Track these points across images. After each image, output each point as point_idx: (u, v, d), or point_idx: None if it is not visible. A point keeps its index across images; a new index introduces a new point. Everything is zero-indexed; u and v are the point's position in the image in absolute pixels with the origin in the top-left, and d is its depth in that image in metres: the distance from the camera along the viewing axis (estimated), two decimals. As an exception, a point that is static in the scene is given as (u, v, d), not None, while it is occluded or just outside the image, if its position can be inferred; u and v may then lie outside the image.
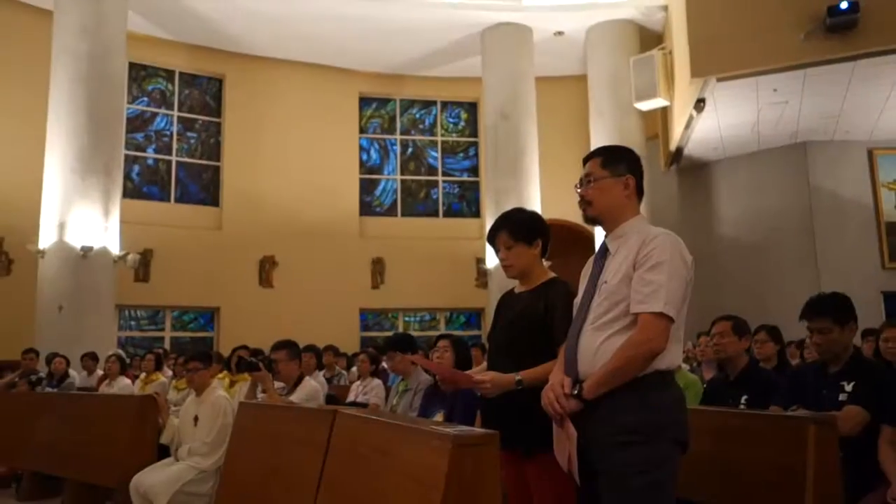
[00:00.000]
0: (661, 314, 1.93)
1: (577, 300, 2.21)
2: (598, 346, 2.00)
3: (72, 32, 9.64)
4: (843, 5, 7.87)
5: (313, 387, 4.31)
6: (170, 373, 7.48)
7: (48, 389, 7.09)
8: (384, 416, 2.54)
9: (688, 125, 10.57)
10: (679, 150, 11.87)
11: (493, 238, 2.62)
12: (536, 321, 2.42)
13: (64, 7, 9.78)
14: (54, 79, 9.65)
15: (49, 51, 9.78)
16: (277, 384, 4.36)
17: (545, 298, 2.46)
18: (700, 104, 9.63)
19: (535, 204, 11.75)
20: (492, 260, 11.94)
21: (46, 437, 5.41)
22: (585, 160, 2.24)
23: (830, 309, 2.79)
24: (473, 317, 14.38)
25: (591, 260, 2.25)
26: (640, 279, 1.99)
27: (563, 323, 2.27)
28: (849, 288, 3.49)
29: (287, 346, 4.36)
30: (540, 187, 11.94)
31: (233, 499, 3.59)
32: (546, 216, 11.15)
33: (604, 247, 2.18)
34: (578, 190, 2.19)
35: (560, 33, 12.28)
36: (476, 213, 14.58)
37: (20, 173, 10.28)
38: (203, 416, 4.49)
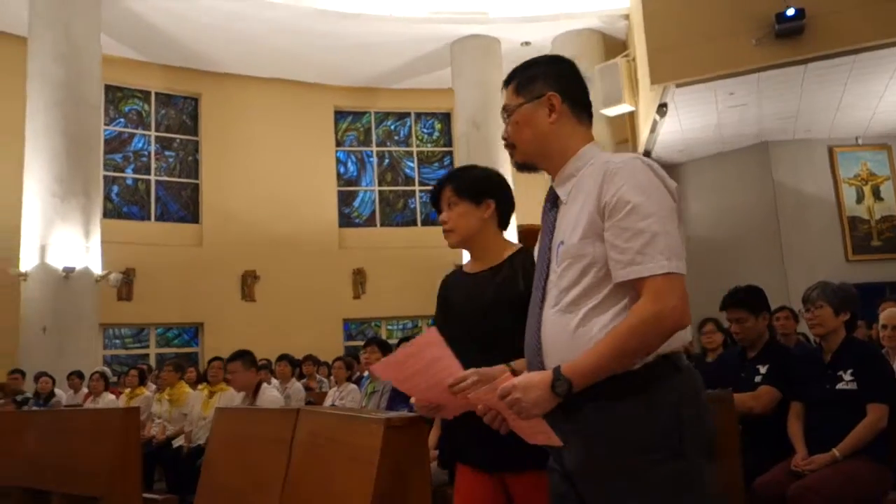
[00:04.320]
0: (670, 274, 1.38)
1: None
2: (572, 333, 1.48)
3: (46, 58, 9.84)
4: (790, 12, 8.23)
5: (272, 394, 4.52)
6: (153, 387, 7.68)
7: (34, 408, 7.27)
8: (337, 410, 2.79)
9: (653, 129, 10.92)
10: (647, 154, 12.22)
11: (437, 197, 2.11)
12: (519, 303, 1.76)
13: (38, 33, 9.98)
14: (31, 104, 9.83)
15: (24, 76, 9.97)
16: (237, 394, 4.57)
17: (523, 273, 1.92)
18: (662, 109, 9.98)
19: (509, 210, 12.03)
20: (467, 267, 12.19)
21: (32, 453, 5.59)
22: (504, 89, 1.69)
23: (745, 300, 3.09)
24: (454, 323, 14.62)
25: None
26: (618, 231, 1.42)
27: None
28: (815, 280, 3.62)
29: (241, 356, 4.54)
30: (514, 194, 12.23)
31: (212, 501, 3.81)
32: (520, 223, 11.45)
33: (552, 194, 1.62)
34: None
35: (527, 43, 12.62)
36: (453, 221, 14.84)
37: (0, 198, 10.43)
38: None
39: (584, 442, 1.45)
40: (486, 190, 2.07)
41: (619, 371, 1.40)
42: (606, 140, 12.45)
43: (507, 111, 1.64)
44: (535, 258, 1.65)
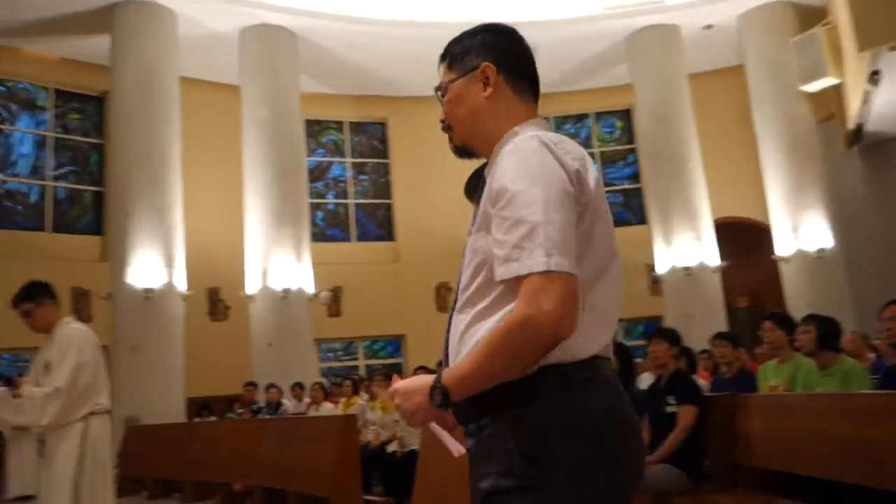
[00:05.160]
0: (549, 273, 1.19)
1: None
2: (458, 338, 1.37)
3: (255, 102, 11.01)
4: None
5: None
6: (366, 396, 8.24)
7: (266, 416, 8.10)
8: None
9: (865, 101, 9.82)
10: (859, 129, 11.00)
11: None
12: None
13: (248, 81, 11.20)
14: (245, 145, 11.05)
15: (239, 121, 11.23)
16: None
17: None
18: (874, 77, 8.95)
19: (702, 205, 11.44)
20: (662, 266, 11.75)
21: (269, 457, 6.24)
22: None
23: None
24: (650, 325, 14.12)
25: None
26: (499, 221, 1.26)
27: None
28: None
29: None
30: (707, 186, 11.61)
31: (429, 503, 4.02)
32: (716, 216, 10.98)
33: (482, 182, 1.44)
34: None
35: (709, 27, 11.91)
36: (642, 220, 14.38)
37: (227, 232, 11.76)
38: (53, 358, 3.67)
39: (471, 462, 1.31)
40: None
41: (498, 382, 1.23)
42: (807, 119, 11.41)
43: (440, 90, 1.47)
44: None
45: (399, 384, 1.34)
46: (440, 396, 1.26)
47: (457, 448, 1.33)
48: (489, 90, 1.41)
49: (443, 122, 1.50)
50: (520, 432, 1.24)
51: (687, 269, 11.30)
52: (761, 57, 11.53)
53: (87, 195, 12.37)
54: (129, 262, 9.78)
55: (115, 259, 10.03)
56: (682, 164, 11.67)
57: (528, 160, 1.26)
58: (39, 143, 12.07)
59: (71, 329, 3.70)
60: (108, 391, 3.72)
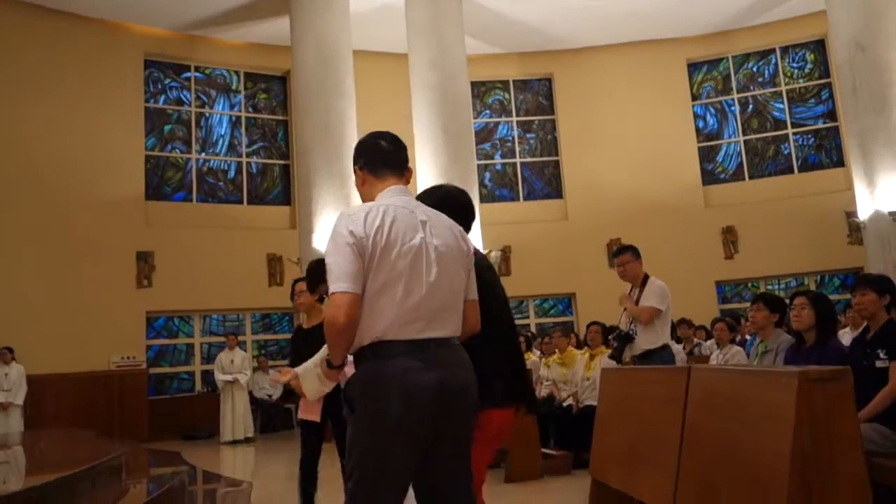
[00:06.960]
0: (333, 293, 2.04)
1: None
2: None
3: (423, 68, 11.24)
4: None
5: (659, 285, 4.68)
6: (538, 352, 8.30)
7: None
8: (735, 367, 2.67)
9: None
10: None
11: None
12: None
13: (415, 48, 11.45)
14: (415, 110, 11.34)
15: (408, 88, 11.54)
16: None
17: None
18: None
19: (914, 140, 10.11)
20: (864, 211, 10.59)
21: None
22: None
23: None
24: (851, 277, 12.86)
25: None
26: None
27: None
28: None
29: (631, 249, 4.87)
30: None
31: (606, 459, 3.98)
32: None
33: None
34: None
35: (922, -65, 10.36)
36: (839, 162, 13.03)
37: (400, 195, 12.24)
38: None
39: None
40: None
41: (337, 356, 2.11)
42: None
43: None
44: None
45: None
46: (327, 363, 2.16)
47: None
48: (358, 180, 2.32)
49: None
50: (348, 383, 2.09)
51: (895, 213, 10.09)
52: None
53: (275, 168, 13.41)
54: (315, 228, 10.50)
55: (302, 226, 10.81)
56: (888, 97, 10.33)
57: (332, 226, 2.12)
58: (234, 123, 13.23)
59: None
60: None
